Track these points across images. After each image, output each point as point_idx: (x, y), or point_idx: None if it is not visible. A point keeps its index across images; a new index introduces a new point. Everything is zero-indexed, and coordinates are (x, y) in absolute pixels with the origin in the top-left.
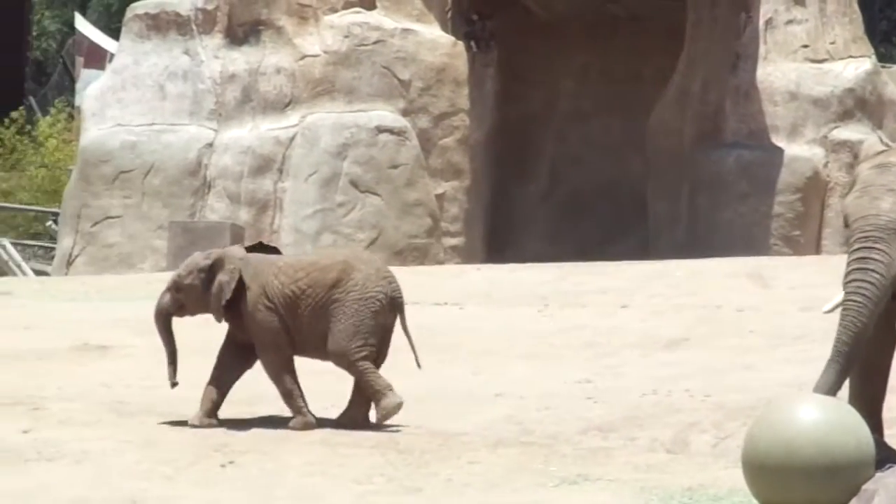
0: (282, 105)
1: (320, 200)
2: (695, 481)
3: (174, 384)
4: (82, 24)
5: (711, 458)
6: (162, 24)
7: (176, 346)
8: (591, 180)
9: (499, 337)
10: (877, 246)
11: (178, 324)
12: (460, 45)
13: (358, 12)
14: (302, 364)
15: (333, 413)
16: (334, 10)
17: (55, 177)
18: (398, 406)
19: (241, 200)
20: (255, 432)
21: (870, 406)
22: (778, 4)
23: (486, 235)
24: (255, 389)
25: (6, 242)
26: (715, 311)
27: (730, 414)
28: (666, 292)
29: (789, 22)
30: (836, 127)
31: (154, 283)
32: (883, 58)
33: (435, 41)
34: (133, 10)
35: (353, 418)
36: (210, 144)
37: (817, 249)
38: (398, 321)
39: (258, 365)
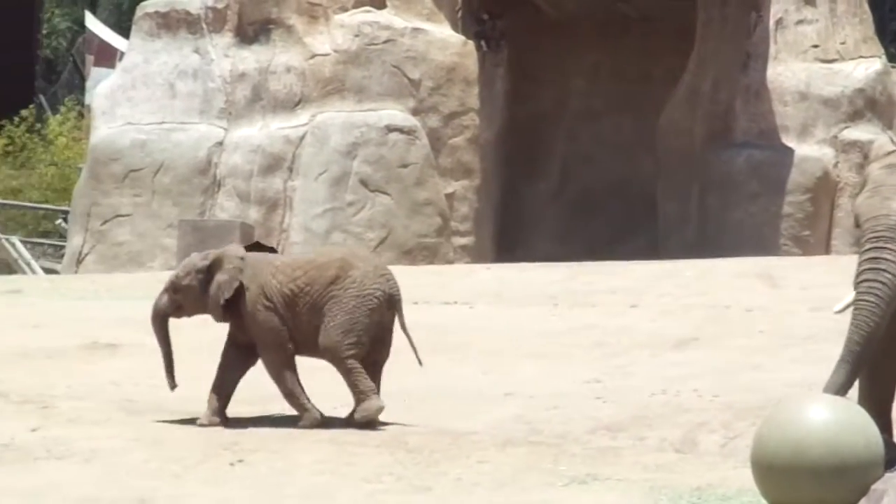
0: (292, 104)
1: (330, 199)
2: (704, 481)
3: (174, 387)
4: (92, 23)
5: (720, 457)
6: (172, 23)
7: (172, 348)
8: (602, 179)
9: (508, 336)
10: (888, 246)
11: (185, 321)
12: (470, 44)
13: (368, 11)
14: (309, 363)
15: (342, 413)
16: (344, 9)
17: (65, 175)
18: (379, 410)
19: (250, 199)
20: (265, 431)
21: (879, 406)
22: (788, 4)
23: (496, 235)
24: (264, 389)
25: (16, 240)
26: (724, 311)
27: (739, 414)
28: (675, 292)
29: (800, 22)
30: (846, 127)
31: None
32: (893, 58)
33: (445, 40)
34: (143, 9)
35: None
36: (220, 143)
37: (827, 249)
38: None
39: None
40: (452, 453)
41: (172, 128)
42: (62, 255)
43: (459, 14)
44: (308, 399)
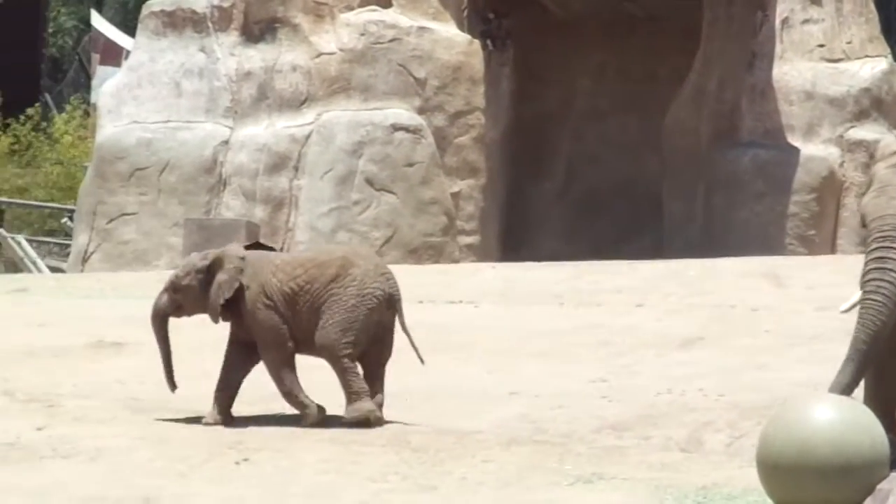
0: (297, 103)
1: (336, 198)
2: (709, 480)
3: (174, 389)
4: (98, 21)
5: (726, 457)
6: (178, 22)
7: (170, 348)
8: (607, 179)
9: (513, 335)
10: (895, 245)
11: (187, 320)
12: (476, 43)
13: (374, 10)
14: (311, 362)
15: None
16: (350, 8)
17: (70, 173)
18: (370, 412)
19: (256, 198)
20: (270, 430)
21: (884, 406)
22: (794, 3)
23: (502, 234)
24: (269, 388)
25: (22, 239)
26: (730, 311)
27: (744, 413)
28: (681, 291)
29: (805, 21)
30: (851, 126)
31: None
32: None
33: (451, 39)
34: (149, 8)
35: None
36: (226, 142)
37: (832, 249)
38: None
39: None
40: (457, 452)
41: (178, 126)
42: (68, 254)
43: (465, 13)
44: (307, 396)
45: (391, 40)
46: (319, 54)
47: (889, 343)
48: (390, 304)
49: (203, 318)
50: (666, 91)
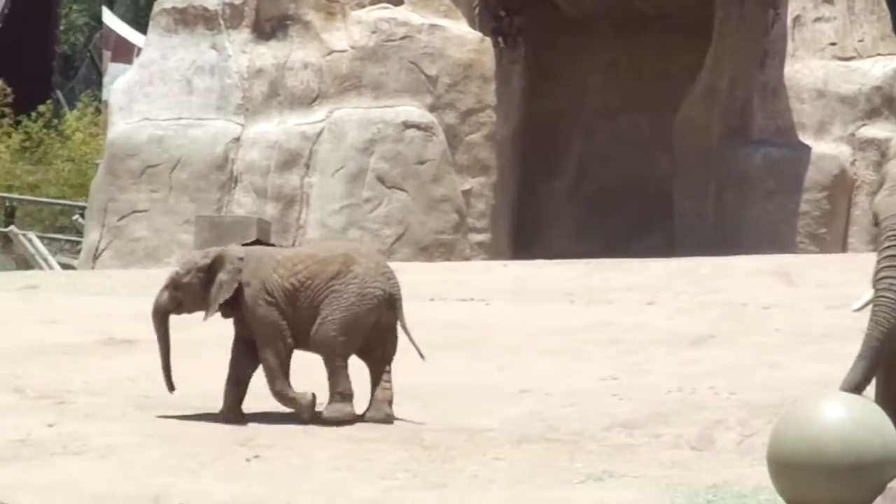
0: (309, 100)
1: (347, 196)
2: (720, 478)
3: (172, 389)
4: (110, 19)
5: (737, 455)
6: (189, 19)
7: (170, 346)
8: (618, 177)
9: (524, 333)
10: None
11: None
12: (487, 41)
13: (385, 8)
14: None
15: (357, 409)
16: (362, 6)
17: (82, 170)
18: (348, 415)
19: (267, 195)
20: (281, 427)
21: (895, 404)
22: (806, 2)
23: (513, 231)
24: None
25: (33, 236)
26: (741, 309)
27: (755, 411)
28: (692, 289)
29: (817, 19)
30: (863, 125)
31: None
32: None
33: (462, 37)
34: (160, 5)
35: (373, 418)
36: (237, 139)
37: (844, 247)
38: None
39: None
40: (468, 450)
41: (189, 124)
42: (79, 251)
43: (477, 10)
44: (296, 393)
45: (402, 38)
46: (331, 52)
47: None
48: (391, 304)
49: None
50: (677, 89)
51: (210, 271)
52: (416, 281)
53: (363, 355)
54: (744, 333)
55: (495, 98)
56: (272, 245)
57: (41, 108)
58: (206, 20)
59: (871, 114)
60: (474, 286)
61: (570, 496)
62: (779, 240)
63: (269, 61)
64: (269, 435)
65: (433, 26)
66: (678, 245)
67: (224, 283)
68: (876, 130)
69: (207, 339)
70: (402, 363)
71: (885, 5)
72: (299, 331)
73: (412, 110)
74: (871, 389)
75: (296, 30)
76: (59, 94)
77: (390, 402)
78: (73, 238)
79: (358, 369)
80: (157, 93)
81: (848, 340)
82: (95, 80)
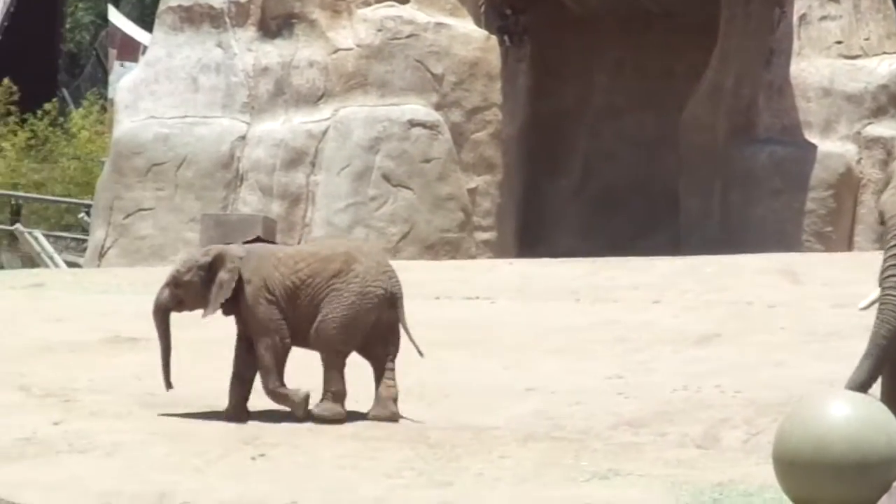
0: (314, 98)
1: (352, 194)
2: (725, 477)
3: (169, 387)
4: (116, 17)
5: (742, 453)
6: (195, 17)
7: (171, 343)
8: (624, 176)
9: (530, 331)
10: None
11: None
12: (493, 39)
13: (391, 6)
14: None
15: (363, 407)
16: (367, 4)
17: (87, 169)
18: (337, 415)
19: (273, 193)
20: (286, 425)
21: None
22: (812, 0)
23: (518, 230)
24: (288, 383)
25: (39, 234)
26: (746, 308)
27: (761, 410)
28: (697, 288)
29: (823, 18)
30: (869, 123)
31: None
32: None
33: (468, 35)
34: (166, 3)
35: (378, 416)
36: (243, 137)
37: (849, 246)
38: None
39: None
40: (474, 448)
41: (195, 122)
42: (84, 249)
43: (482, 9)
44: (289, 390)
45: (408, 36)
46: (336, 50)
47: None
48: (392, 303)
49: (217, 314)
50: (683, 88)
51: (211, 269)
52: (422, 279)
53: (365, 353)
54: (749, 332)
55: (501, 96)
56: (273, 243)
57: (47, 106)
58: (212, 18)
59: (877, 112)
60: (480, 284)
61: (576, 494)
62: (784, 238)
63: (274, 59)
64: (274, 433)
65: (439, 24)
66: (684, 244)
67: (224, 281)
68: (882, 129)
69: (213, 337)
70: (408, 362)
71: (890, 4)
72: (299, 329)
73: (418, 108)
74: (876, 388)
75: (301, 28)
76: (65, 92)
77: (395, 400)
78: (78, 236)
79: (361, 368)
80: (163, 91)
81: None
82: (101, 79)
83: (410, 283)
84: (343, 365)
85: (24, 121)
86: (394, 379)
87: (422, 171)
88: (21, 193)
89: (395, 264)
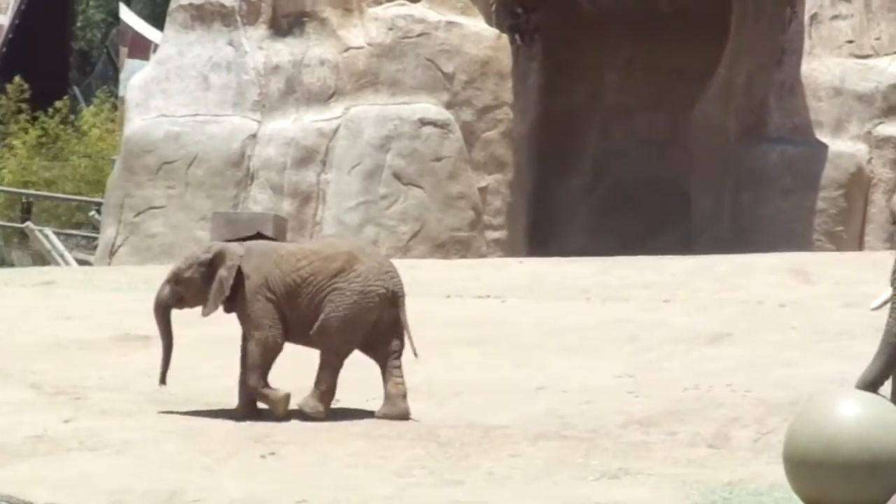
0: (325, 97)
1: (363, 192)
2: (735, 476)
3: (163, 382)
4: (127, 15)
5: (752, 453)
6: (206, 15)
7: (172, 339)
8: (635, 174)
9: (541, 330)
10: None
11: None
12: (504, 38)
13: (402, 5)
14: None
15: (374, 406)
16: (378, 3)
17: (98, 167)
18: (315, 413)
19: (284, 192)
20: (297, 424)
21: None
22: None
23: (529, 229)
24: (295, 381)
25: (49, 232)
26: (757, 307)
27: (771, 409)
28: (708, 287)
29: (834, 17)
30: (880, 123)
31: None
32: None
33: (479, 34)
34: (178, 1)
35: (388, 414)
36: (253, 135)
37: (860, 245)
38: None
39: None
40: (484, 447)
41: (206, 120)
42: (95, 247)
43: (493, 7)
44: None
45: (419, 35)
46: (347, 48)
47: None
48: (393, 302)
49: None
50: (694, 87)
51: (211, 266)
52: (433, 278)
53: (369, 352)
54: (760, 331)
55: (512, 95)
56: (274, 240)
57: (58, 104)
58: (223, 16)
59: (888, 112)
60: (490, 283)
61: (586, 493)
62: (795, 237)
63: (285, 58)
64: (284, 432)
65: (450, 23)
66: (695, 243)
67: (223, 278)
68: (893, 128)
69: (223, 335)
70: (420, 360)
71: None
72: (299, 326)
73: (429, 107)
74: (886, 387)
75: (313, 26)
76: (76, 90)
77: (404, 397)
78: (89, 234)
79: (370, 367)
80: (174, 89)
81: (864, 338)
82: (112, 77)
83: (421, 281)
84: (340, 365)
85: (34, 119)
86: (401, 376)
87: (432, 170)
88: (32, 191)
89: (406, 263)
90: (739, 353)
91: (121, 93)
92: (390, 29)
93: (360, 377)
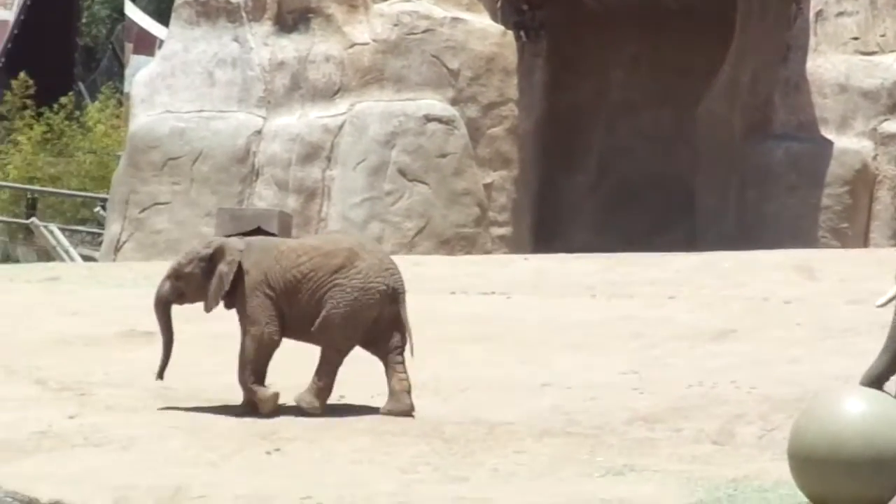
0: (330, 93)
1: (368, 189)
2: (740, 473)
3: (160, 377)
4: (132, 11)
5: (757, 449)
6: (211, 11)
7: (173, 335)
8: (640, 171)
9: (546, 327)
10: None
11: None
12: (510, 34)
13: (408, 1)
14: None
15: (379, 402)
16: None
17: (103, 163)
18: (315, 409)
19: (289, 188)
20: (302, 420)
21: None
22: None
23: (534, 225)
24: (300, 377)
25: (54, 228)
26: (762, 304)
27: (776, 406)
28: (713, 284)
29: (840, 14)
30: (885, 120)
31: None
32: None
33: (484, 30)
34: None
35: (393, 410)
36: (259, 132)
37: (865, 242)
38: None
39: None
40: (489, 443)
41: (211, 116)
42: (100, 243)
43: (499, 4)
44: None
45: (425, 31)
46: (353, 45)
47: None
48: (393, 298)
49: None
50: (699, 84)
51: (212, 261)
52: (438, 274)
53: (371, 349)
54: (765, 328)
55: (517, 92)
56: (274, 235)
57: (63, 99)
58: (229, 12)
59: (894, 108)
60: (495, 280)
61: (591, 490)
62: (800, 234)
63: (291, 54)
64: (289, 428)
65: (455, 20)
66: (700, 239)
67: (223, 274)
68: None
69: (226, 331)
70: (423, 356)
71: None
72: (299, 323)
73: (434, 104)
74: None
75: (318, 22)
76: (81, 85)
77: (408, 392)
78: (94, 230)
79: (374, 364)
80: (179, 85)
81: (869, 335)
82: (117, 72)
83: (426, 278)
84: (339, 363)
85: (40, 114)
86: (405, 371)
87: (437, 167)
88: (37, 187)
89: (411, 259)
90: (744, 350)
91: (126, 89)
92: (395, 25)
93: (364, 373)
